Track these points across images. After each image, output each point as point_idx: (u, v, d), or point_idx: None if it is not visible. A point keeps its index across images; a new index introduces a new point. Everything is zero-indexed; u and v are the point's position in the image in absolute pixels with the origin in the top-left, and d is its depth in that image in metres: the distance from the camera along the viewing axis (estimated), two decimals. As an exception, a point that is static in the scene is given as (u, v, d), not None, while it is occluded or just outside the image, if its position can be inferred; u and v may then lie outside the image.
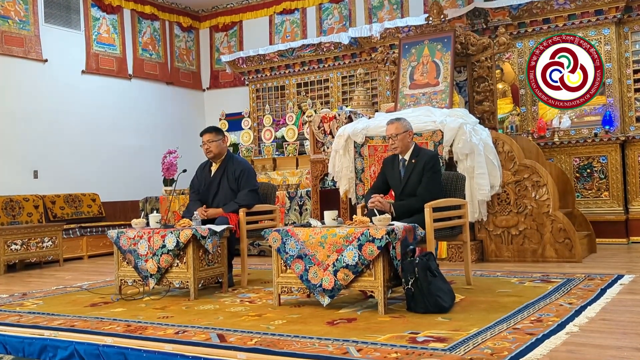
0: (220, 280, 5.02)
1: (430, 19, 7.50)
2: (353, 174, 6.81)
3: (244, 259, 5.40)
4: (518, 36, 8.31)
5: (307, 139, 8.78)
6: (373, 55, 9.18)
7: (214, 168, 5.56)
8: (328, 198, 7.59)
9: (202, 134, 5.52)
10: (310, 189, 7.65)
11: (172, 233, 4.74)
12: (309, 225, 4.35)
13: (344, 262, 3.96)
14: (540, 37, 8.19)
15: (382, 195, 4.75)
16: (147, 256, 4.84)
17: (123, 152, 10.34)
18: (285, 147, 8.92)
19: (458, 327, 3.41)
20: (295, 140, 8.91)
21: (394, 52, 8.52)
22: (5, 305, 4.82)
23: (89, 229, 8.76)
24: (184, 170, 5.41)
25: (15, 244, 7.35)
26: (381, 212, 4.45)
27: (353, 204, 6.87)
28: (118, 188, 10.13)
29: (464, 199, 5.02)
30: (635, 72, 7.88)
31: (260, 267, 6.60)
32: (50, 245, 7.71)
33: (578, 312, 3.66)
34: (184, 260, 4.76)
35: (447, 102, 6.97)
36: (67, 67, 9.66)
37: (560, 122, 8.06)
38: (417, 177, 4.76)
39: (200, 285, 4.78)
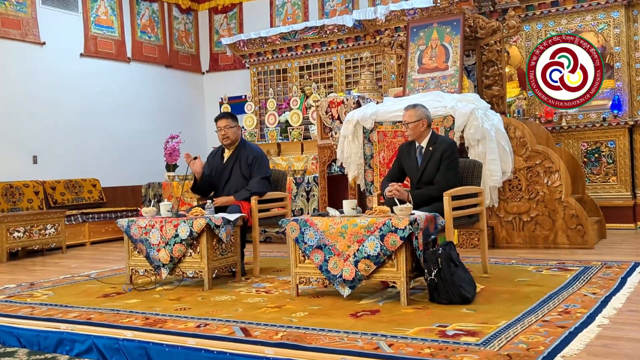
0: (233, 270, 4.94)
1: (439, 1, 7.37)
2: (362, 160, 6.73)
3: (256, 247, 5.31)
4: (526, 19, 8.19)
5: (312, 123, 8.67)
6: (379, 38, 9.06)
7: (226, 154, 5.45)
8: (335, 184, 7.51)
9: (217, 120, 5.41)
10: (317, 174, 7.56)
11: (185, 222, 4.64)
12: (326, 214, 4.27)
13: (365, 252, 3.89)
14: (549, 21, 8.09)
15: (400, 183, 4.67)
16: (159, 246, 4.75)
17: (123, 137, 10.20)
18: (290, 132, 8.81)
19: (485, 319, 3.35)
20: (300, 125, 8.79)
21: (399, 36, 8.40)
22: (14, 296, 4.73)
23: (90, 215, 8.65)
24: (195, 158, 5.28)
25: (18, 231, 7.24)
26: (400, 201, 4.37)
27: (362, 190, 6.80)
28: (118, 173, 10.01)
29: (480, 186, 4.95)
30: (644, 55, 7.81)
31: (268, 255, 6.52)
32: (53, 232, 7.61)
33: (604, 303, 3.61)
34: (198, 250, 4.67)
35: (457, 87, 6.87)
36: (65, 50, 9.48)
37: (567, 107, 7.98)
38: (435, 165, 4.67)
39: (213, 275, 4.71)
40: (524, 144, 6.28)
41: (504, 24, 7.11)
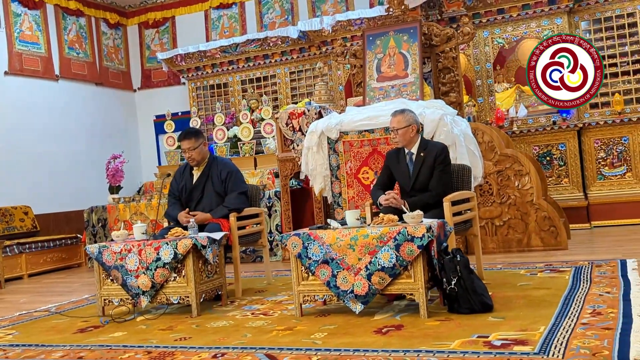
0: (219, 293, 4.58)
1: (391, 9, 7.31)
2: (328, 171, 6.51)
3: (237, 267, 4.98)
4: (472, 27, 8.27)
5: (263, 137, 8.39)
6: (325, 49, 8.92)
7: (196, 172, 5.06)
8: (296, 198, 7.26)
9: (180, 140, 5.03)
10: (277, 189, 7.28)
11: (168, 244, 4.26)
12: (328, 226, 4.02)
13: (378, 264, 3.67)
14: (495, 28, 8.22)
15: (395, 191, 4.49)
16: (138, 271, 4.33)
17: (54, 159, 9.49)
18: (241, 147, 8.47)
19: (521, 326, 3.20)
20: (251, 139, 8.47)
21: (350, 45, 8.29)
22: (-26, 338, 4.17)
23: (27, 246, 7.93)
24: (168, 175, 4.89)
25: (-49, 267, 6.52)
26: (394, 209, 4.20)
27: (329, 202, 6.58)
28: (50, 199, 9.29)
29: (471, 190, 4.85)
30: (586, 60, 8.03)
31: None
32: (-10, 265, 6.91)
33: (627, 301, 3.54)
34: (183, 274, 4.30)
35: (418, 94, 6.80)
36: (-13, 68, 8.77)
37: (516, 112, 8.11)
38: (428, 171, 4.52)
39: (200, 300, 4.33)
40: (493, 148, 6.27)
41: (458, 31, 7.13)
